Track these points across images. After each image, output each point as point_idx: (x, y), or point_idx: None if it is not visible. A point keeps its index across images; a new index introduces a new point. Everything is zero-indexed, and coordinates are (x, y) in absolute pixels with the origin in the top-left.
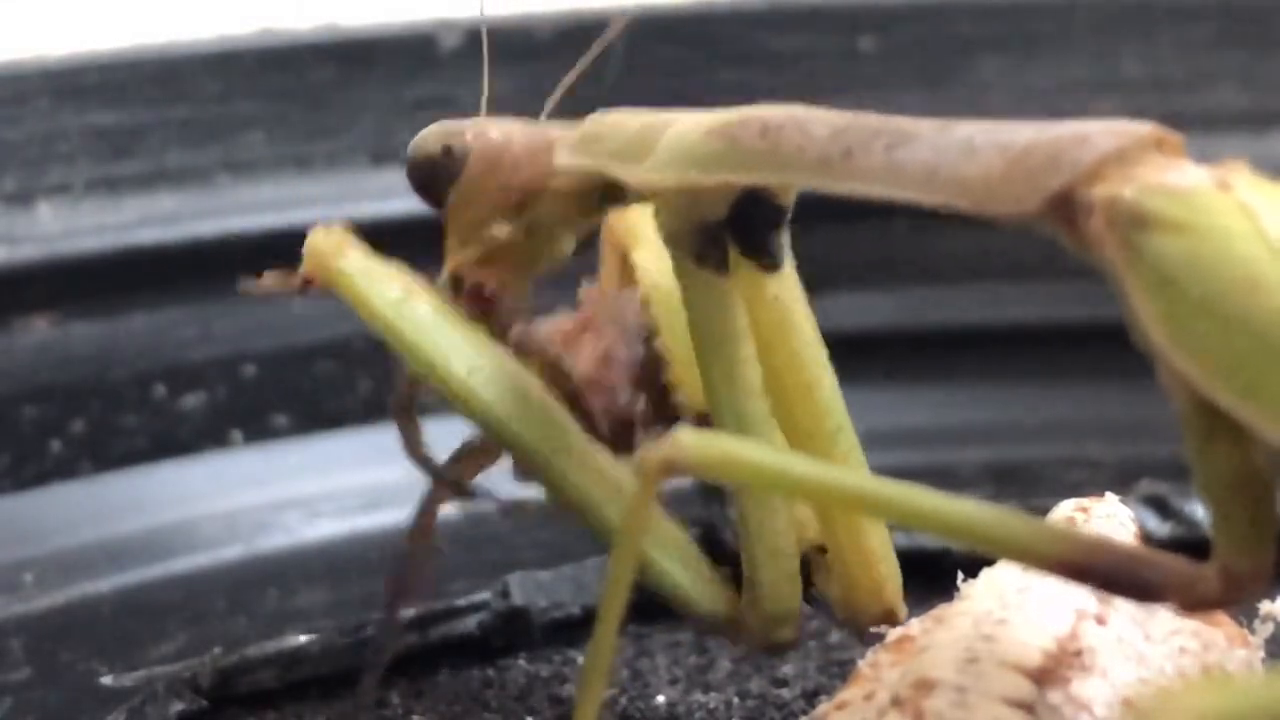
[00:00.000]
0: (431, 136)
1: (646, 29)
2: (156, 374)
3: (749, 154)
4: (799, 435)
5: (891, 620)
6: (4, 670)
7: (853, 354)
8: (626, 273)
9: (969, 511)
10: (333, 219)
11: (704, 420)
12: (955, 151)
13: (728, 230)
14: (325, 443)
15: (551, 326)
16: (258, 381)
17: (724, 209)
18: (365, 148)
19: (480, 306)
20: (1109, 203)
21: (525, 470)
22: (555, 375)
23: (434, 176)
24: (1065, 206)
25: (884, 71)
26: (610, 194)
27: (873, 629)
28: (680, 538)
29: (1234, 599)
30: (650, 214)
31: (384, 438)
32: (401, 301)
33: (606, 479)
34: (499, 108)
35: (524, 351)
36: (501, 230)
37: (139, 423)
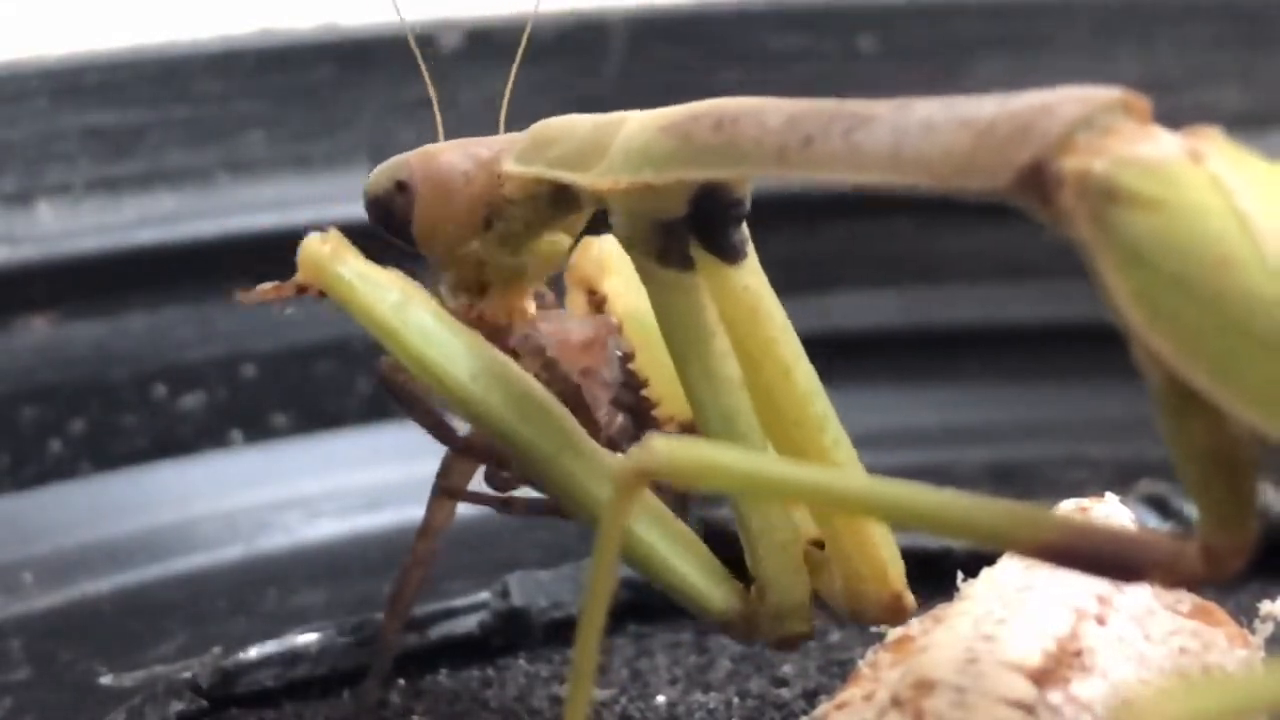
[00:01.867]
0: (381, 176)
1: (646, 29)
2: (156, 374)
3: (704, 150)
4: (784, 426)
5: (899, 606)
6: (4, 670)
7: (854, 354)
8: (593, 305)
9: (950, 502)
10: (332, 219)
11: (687, 432)
12: (917, 130)
13: (687, 227)
14: (325, 443)
15: (553, 328)
16: (257, 381)
17: (682, 207)
18: (365, 148)
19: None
20: (1080, 176)
21: (516, 473)
22: (554, 376)
23: (394, 215)
24: (1036, 180)
25: (884, 71)
26: (562, 199)
27: (878, 628)
28: (687, 535)
29: (1217, 575)
30: (616, 243)
31: (384, 438)
32: (400, 305)
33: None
34: (495, 109)
35: (525, 353)
36: (473, 248)
37: (139, 423)
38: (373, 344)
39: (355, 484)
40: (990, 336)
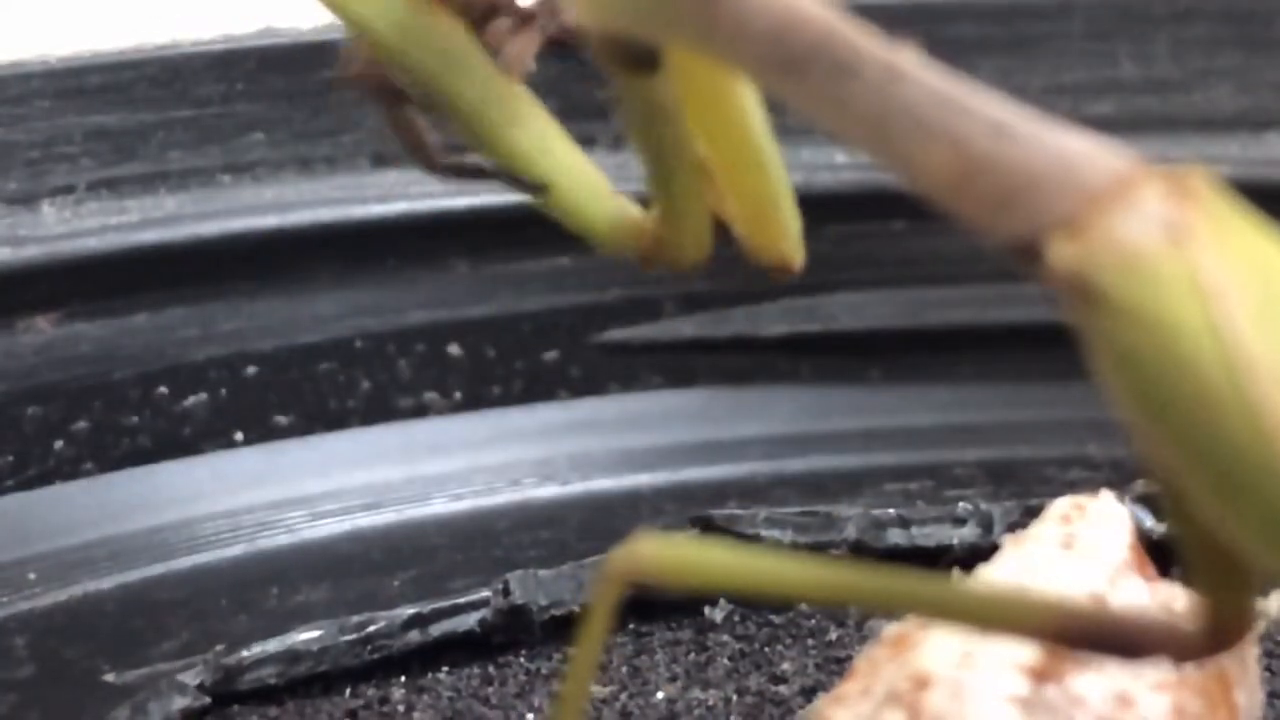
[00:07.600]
0: None
1: None
2: (159, 374)
3: (685, 17)
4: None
5: (788, 266)
6: (8, 668)
7: (853, 354)
8: None
9: (946, 591)
10: (335, 220)
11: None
12: (901, 115)
13: None
14: (326, 442)
15: None
16: (260, 381)
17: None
18: (366, 149)
19: None
20: (1064, 269)
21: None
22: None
23: None
24: (1025, 251)
25: None
26: None
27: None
28: (585, 165)
29: (1221, 650)
30: None
31: (385, 438)
32: None
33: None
34: None
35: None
36: None
37: (142, 422)
38: (374, 344)
39: (356, 483)
40: (989, 336)
